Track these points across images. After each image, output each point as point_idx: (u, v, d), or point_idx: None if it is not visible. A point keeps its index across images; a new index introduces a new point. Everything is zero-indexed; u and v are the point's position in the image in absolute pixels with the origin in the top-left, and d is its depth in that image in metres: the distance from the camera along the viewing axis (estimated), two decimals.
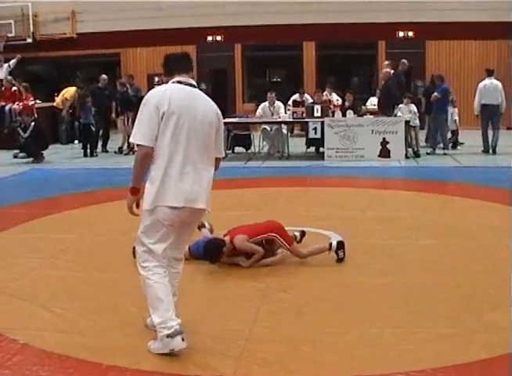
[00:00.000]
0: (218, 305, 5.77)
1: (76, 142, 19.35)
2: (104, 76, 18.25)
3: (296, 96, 19.20)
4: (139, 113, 4.69)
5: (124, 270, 6.78)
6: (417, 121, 16.66)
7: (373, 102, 19.05)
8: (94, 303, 5.88)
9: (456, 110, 17.74)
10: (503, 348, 4.75)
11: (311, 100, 18.70)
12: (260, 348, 4.87)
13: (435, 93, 16.42)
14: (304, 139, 18.17)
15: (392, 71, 16.84)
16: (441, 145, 16.70)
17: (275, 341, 4.98)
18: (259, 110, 17.31)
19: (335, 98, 19.69)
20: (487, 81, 16.74)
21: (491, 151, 16.58)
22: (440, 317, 5.40)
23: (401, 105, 16.54)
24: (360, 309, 5.68)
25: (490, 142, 16.64)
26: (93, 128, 17.28)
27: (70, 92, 20.04)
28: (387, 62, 18.88)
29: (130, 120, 17.47)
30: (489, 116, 16.64)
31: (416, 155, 16.30)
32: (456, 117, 17.58)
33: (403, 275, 6.55)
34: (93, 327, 5.33)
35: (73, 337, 5.09)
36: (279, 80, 26.65)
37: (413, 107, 16.74)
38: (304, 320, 5.42)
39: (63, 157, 17.21)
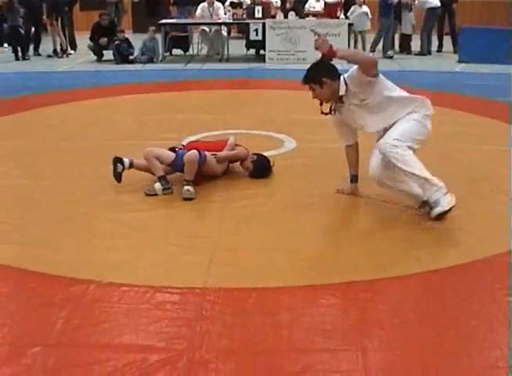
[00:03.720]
0: (180, 217, 5.49)
1: (5, 45, 18.47)
2: None
3: None
4: None
5: (72, 177, 6.50)
6: (366, 25, 16.29)
7: (311, 4, 18.57)
8: (46, 212, 5.53)
9: (413, 14, 17.29)
10: (476, 253, 4.67)
11: (249, 1, 18.14)
12: (229, 255, 4.68)
13: None
14: (243, 42, 17.78)
15: None
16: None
17: (244, 249, 4.77)
18: (199, 11, 16.78)
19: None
20: None
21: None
22: (411, 224, 5.27)
23: (353, 5, 16.25)
24: (328, 215, 5.54)
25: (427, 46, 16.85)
26: (22, 31, 16.46)
27: None
28: None
29: (61, 22, 16.77)
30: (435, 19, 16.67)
31: None
32: (413, 22, 17.19)
33: (367, 181, 6.34)
34: (49, 237, 5.00)
35: (30, 249, 4.77)
36: None
37: (365, 9, 16.37)
38: (270, 228, 5.20)
39: None
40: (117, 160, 6.09)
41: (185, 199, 5.77)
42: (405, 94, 5.55)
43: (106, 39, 15.61)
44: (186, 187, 5.82)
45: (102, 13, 16.63)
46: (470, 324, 3.72)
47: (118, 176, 6.06)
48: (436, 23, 17.10)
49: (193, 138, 7.49)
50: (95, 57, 16.03)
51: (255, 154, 6.54)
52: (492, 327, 3.67)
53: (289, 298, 4.04)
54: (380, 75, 5.40)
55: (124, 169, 6.07)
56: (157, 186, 5.89)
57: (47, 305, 3.94)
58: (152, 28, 16.04)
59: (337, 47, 5.36)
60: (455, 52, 16.88)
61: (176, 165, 6.08)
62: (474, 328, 3.68)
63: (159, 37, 16.15)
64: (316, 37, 5.28)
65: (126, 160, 6.10)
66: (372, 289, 4.14)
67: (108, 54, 15.78)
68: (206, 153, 6.13)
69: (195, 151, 5.98)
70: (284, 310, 3.89)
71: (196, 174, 5.95)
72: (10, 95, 11.16)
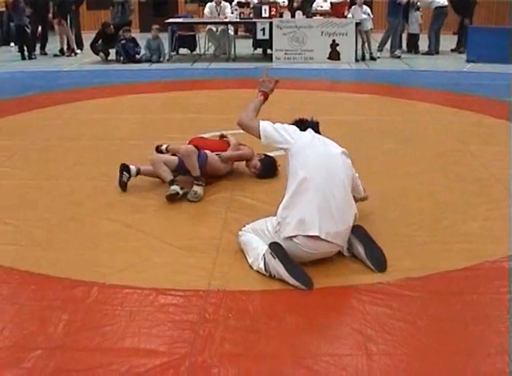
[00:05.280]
0: (184, 218, 5.44)
1: (12, 44, 18.46)
2: None
3: None
4: None
5: (76, 177, 6.48)
6: (369, 25, 16.16)
7: (319, 3, 18.48)
8: (49, 213, 5.49)
9: (420, 13, 17.17)
10: (482, 256, 4.61)
11: (256, 1, 18.08)
12: (232, 257, 4.61)
13: None
14: (249, 41, 17.72)
15: None
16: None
17: None
18: (207, 9, 16.72)
19: None
20: None
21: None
22: (416, 225, 5.21)
23: (353, 6, 16.12)
24: None
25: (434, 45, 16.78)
26: (28, 30, 16.42)
27: None
28: None
29: (68, 21, 16.73)
30: (443, 18, 16.55)
31: (372, 58, 16.02)
32: (421, 21, 17.10)
33: (374, 181, 6.25)
34: (52, 239, 4.96)
35: (33, 250, 4.73)
36: None
37: (367, 9, 16.23)
38: None
39: None
40: (124, 168, 6.01)
41: (190, 200, 5.72)
42: (290, 189, 4.46)
43: (103, 55, 15.88)
44: (195, 188, 5.79)
45: (106, 23, 16.32)
46: (476, 329, 3.66)
47: (124, 185, 5.98)
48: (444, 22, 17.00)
49: None
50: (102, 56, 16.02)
51: (261, 155, 6.50)
52: (498, 333, 3.61)
53: (293, 302, 3.99)
54: (292, 149, 4.67)
55: (130, 178, 6.00)
56: (174, 187, 5.77)
57: (48, 308, 3.91)
58: (155, 27, 15.92)
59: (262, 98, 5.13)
60: (460, 52, 16.79)
61: (180, 168, 6.04)
62: (480, 333, 3.63)
63: (163, 36, 16.07)
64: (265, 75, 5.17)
65: (133, 168, 6.02)
66: (377, 292, 4.08)
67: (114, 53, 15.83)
68: (207, 152, 6.08)
69: (189, 146, 6.00)
70: (288, 314, 3.84)
71: (201, 174, 5.90)
72: (16, 95, 11.14)
